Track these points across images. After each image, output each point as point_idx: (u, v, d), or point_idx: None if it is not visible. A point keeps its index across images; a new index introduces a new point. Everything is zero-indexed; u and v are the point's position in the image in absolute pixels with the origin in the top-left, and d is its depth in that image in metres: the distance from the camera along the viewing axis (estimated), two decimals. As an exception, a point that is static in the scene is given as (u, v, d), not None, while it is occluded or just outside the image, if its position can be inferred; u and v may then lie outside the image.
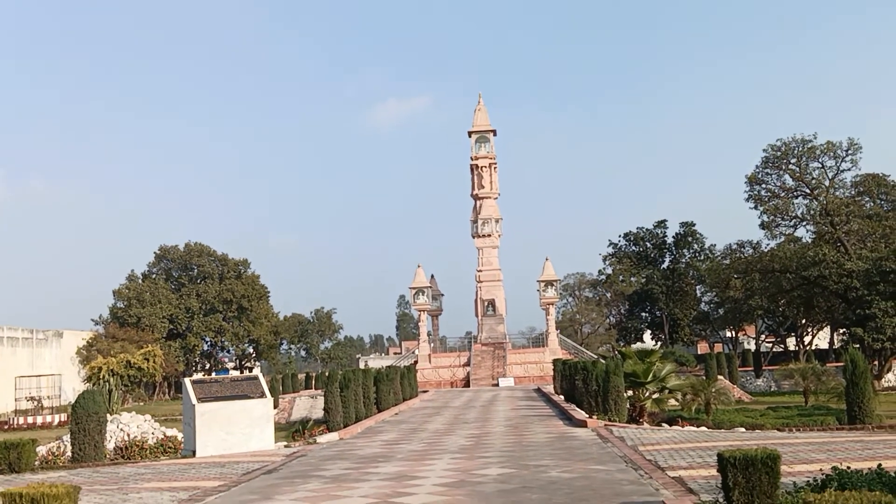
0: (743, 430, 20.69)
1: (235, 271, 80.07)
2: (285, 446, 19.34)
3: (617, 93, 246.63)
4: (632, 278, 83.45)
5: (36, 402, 49.49)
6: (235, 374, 77.13)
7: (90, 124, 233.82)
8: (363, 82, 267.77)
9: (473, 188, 61.69)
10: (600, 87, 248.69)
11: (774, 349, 76.01)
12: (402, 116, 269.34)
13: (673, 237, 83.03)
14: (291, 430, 24.16)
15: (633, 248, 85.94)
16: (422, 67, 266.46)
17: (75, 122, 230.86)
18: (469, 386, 52.86)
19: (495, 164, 61.87)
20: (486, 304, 60.82)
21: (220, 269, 79.37)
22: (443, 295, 67.04)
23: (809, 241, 57.35)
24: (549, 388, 39.88)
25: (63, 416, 42.00)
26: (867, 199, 59.66)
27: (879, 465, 9.74)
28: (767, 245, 60.14)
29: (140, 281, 78.10)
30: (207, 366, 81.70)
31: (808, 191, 57.00)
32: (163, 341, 69.70)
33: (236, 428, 18.68)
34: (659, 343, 77.47)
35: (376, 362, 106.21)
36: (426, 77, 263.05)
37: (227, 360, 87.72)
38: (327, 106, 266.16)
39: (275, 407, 40.95)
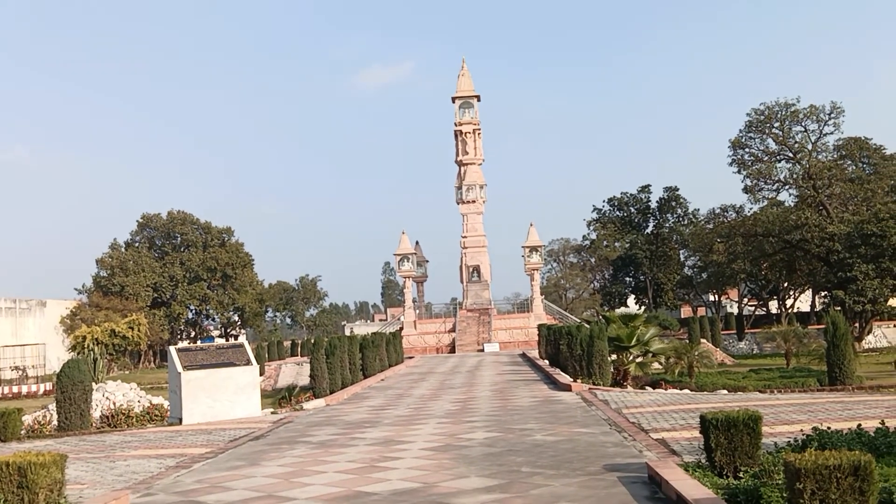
0: (725, 392, 20.89)
1: (219, 239, 79.76)
2: (272, 413, 19.40)
3: (601, 57, 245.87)
4: (616, 243, 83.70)
5: (20, 372, 49.35)
6: (221, 341, 77.13)
7: (74, 91, 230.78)
8: (348, 46, 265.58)
9: (458, 154, 61.44)
10: (583, 51, 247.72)
11: (757, 312, 76.72)
12: (387, 82, 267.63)
13: (657, 202, 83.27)
14: (278, 397, 24.24)
15: (618, 213, 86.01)
16: (406, 32, 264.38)
17: (59, 89, 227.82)
18: (454, 352, 52.98)
19: (479, 129, 61.56)
20: (471, 270, 60.88)
21: (203, 237, 79.03)
22: (428, 261, 67.01)
23: (792, 204, 57.61)
24: (534, 353, 39.90)
25: (48, 386, 41.94)
26: (849, 162, 59.91)
27: (859, 425, 9.88)
28: (750, 209, 60.38)
29: (123, 250, 77.73)
30: (192, 334, 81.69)
31: (791, 155, 57.14)
32: (147, 310, 69.56)
33: (222, 395, 18.72)
34: (643, 307, 77.90)
35: (362, 329, 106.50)
36: (410, 42, 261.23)
37: (212, 328, 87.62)
38: (312, 70, 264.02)
39: (261, 374, 41.16)
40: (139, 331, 53.50)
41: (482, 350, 51.69)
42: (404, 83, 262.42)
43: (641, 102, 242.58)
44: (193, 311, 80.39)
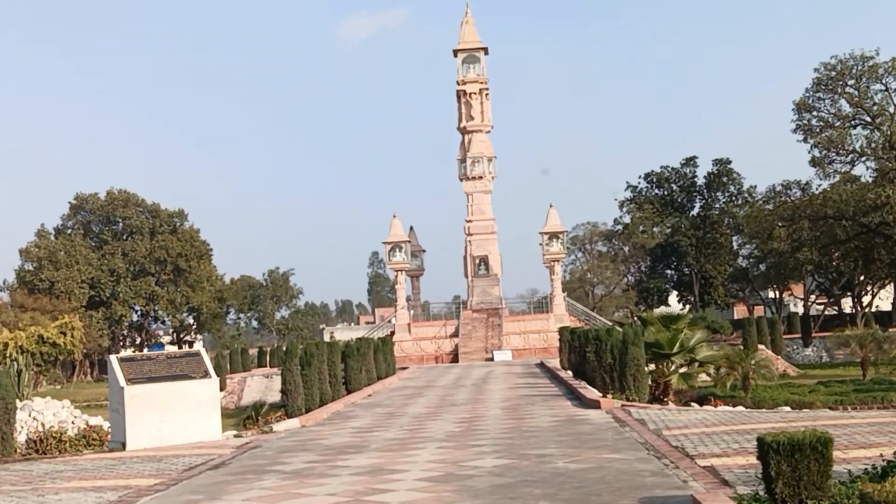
0: (788, 409, 20.99)
1: (170, 224, 79.68)
2: (235, 436, 19.45)
3: (637, 4, 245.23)
4: (654, 228, 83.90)
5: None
6: (172, 349, 76.90)
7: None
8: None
9: (461, 120, 61.56)
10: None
11: (827, 312, 76.79)
12: (374, 32, 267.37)
13: (704, 178, 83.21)
14: (242, 417, 24.31)
15: (657, 191, 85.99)
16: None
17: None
18: (457, 361, 53.30)
19: (487, 89, 61.69)
20: (477, 261, 61.10)
21: (150, 223, 78.95)
22: (424, 251, 67.30)
23: (870, 180, 57.56)
24: (555, 363, 40.23)
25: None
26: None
27: (951, 448, 9.88)
28: (819, 186, 60.44)
29: (53, 238, 77.70)
30: (138, 340, 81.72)
31: (868, 119, 57.09)
32: (82, 311, 69.47)
33: (175, 414, 18.75)
34: (687, 306, 77.83)
35: (344, 334, 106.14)
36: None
37: (161, 332, 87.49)
38: (281, 19, 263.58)
39: (221, 389, 40.53)
40: (73, 336, 53.47)
41: (491, 359, 52.00)
42: (395, 34, 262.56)
43: (684, 57, 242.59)
44: (139, 313, 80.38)
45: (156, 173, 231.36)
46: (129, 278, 75.89)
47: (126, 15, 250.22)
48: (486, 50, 61.87)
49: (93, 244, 78.06)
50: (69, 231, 78.95)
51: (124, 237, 78.94)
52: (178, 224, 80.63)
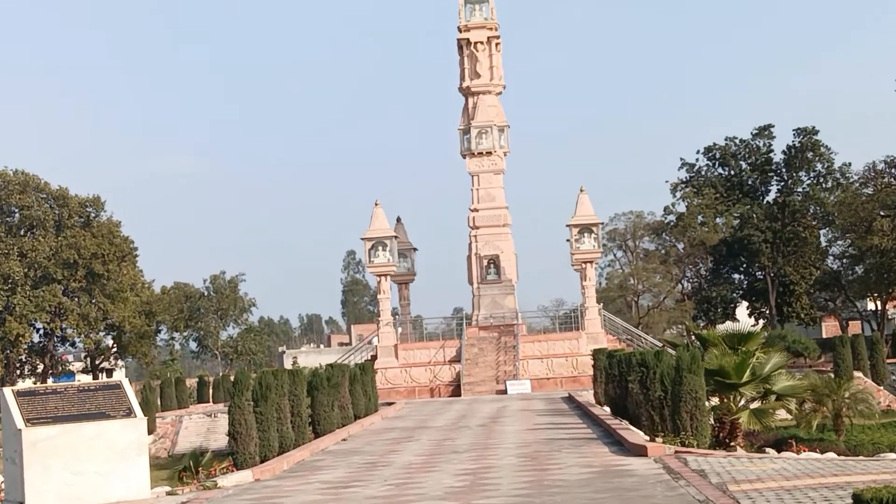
0: (894, 456, 20.93)
1: (81, 216, 79.42)
2: (168, 493, 19.42)
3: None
4: (718, 219, 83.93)
5: None
6: (86, 379, 76.55)
7: None
8: None
9: (463, 78, 61.55)
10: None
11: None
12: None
13: (783, 153, 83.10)
14: (177, 469, 24.33)
15: (720, 170, 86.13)
16: None
17: None
18: (460, 394, 53.28)
19: (498, 38, 61.70)
20: (485, 263, 61.13)
21: (56, 214, 78.74)
22: (416, 250, 67.35)
23: None
24: (587, 396, 40.23)
25: None
26: None
27: None
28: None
29: (-74, 233, 77.49)
30: (40, 368, 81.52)
31: None
32: (-33, 330, 69.47)
33: (89, 465, 18.70)
34: (761, 321, 77.77)
35: (311, 358, 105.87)
36: None
37: (71, 357, 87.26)
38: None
39: (150, 431, 40.50)
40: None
41: (504, 391, 52.02)
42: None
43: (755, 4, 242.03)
44: (41, 332, 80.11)
45: (64, 150, 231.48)
46: (28, 287, 75.53)
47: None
48: (496, -14, 61.85)
49: (-20, 241, 77.85)
50: (-53, 224, 78.69)
51: (22, 233, 78.58)
52: (93, 215, 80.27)
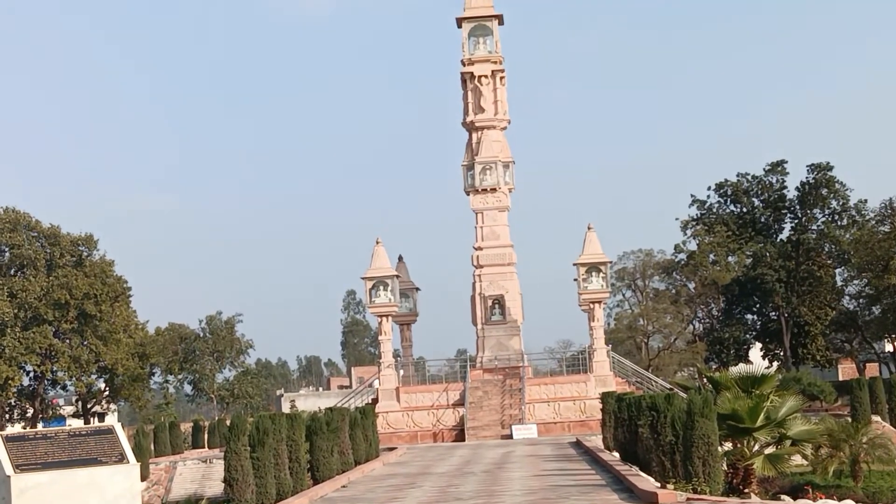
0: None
1: (74, 254, 79.52)
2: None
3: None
4: (730, 258, 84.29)
5: None
6: (77, 424, 75.58)
7: None
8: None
9: (466, 112, 61.92)
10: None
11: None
12: None
13: (797, 189, 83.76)
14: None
15: (732, 207, 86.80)
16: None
17: None
18: (464, 439, 53.57)
19: (502, 71, 62.11)
20: (489, 303, 61.16)
21: (47, 252, 78.71)
22: (418, 290, 67.69)
23: None
24: (596, 441, 40.50)
25: None
26: None
27: None
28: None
29: (-86, 272, 77.33)
30: (30, 411, 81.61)
31: None
32: (-44, 372, 69.06)
33: (81, 514, 19.14)
34: (775, 364, 77.84)
35: (309, 402, 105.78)
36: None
37: (62, 401, 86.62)
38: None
39: (143, 478, 41.29)
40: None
41: (509, 436, 52.18)
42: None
43: (769, 26, 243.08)
44: (31, 375, 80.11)
45: (56, 188, 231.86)
46: (17, 328, 75.67)
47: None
48: (500, 18, 62.26)
49: (-30, 281, 77.48)
50: (-63, 263, 78.55)
51: (12, 272, 78.88)
52: (86, 254, 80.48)
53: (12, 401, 79.64)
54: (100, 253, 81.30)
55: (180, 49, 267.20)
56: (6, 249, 78.77)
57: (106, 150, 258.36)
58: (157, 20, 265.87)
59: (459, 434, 54.30)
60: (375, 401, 57.93)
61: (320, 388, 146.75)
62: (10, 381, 75.70)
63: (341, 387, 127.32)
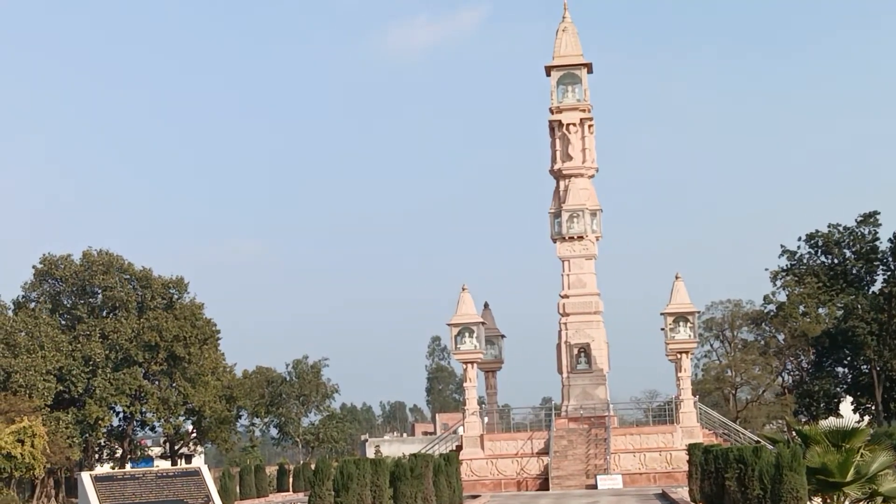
0: None
1: (164, 297, 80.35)
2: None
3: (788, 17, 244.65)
4: (820, 309, 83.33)
5: None
6: (164, 465, 76.98)
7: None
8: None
9: (554, 160, 61.89)
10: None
11: None
12: (437, 45, 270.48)
13: (889, 241, 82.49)
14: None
15: (823, 259, 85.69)
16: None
17: None
18: (548, 488, 53.07)
19: (591, 119, 62.01)
20: (575, 351, 60.94)
21: (139, 295, 79.72)
22: (504, 337, 67.25)
23: None
24: (682, 493, 40.15)
25: None
26: None
27: None
28: None
29: (11, 314, 78.64)
30: (119, 452, 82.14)
31: None
32: (47, 412, 70.02)
33: (166, 555, 18.74)
34: (867, 418, 76.45)
35: (393, 447, 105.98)
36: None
37: (150, 442, 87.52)
38: (311, 31, 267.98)
39: None
40: (33, 446, 53.81)
41: (594, 486, 51.71)
42: (465, 45, 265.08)
43: (867, 73, 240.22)
44: (121, 415, 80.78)
45: (148, 230, 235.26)
46: (108, 369, 76.29)
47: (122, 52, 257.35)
48: (589, 67, 62.24)
49: (63, 323, 78.80)
50: (33, 305, 79.80)
51: (104, 313, 79.59)
52: (176, 297, 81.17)
53: (102, 441, 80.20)
54: (190, 296, 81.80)
55: (271, 97, 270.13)
56: (99, 291, 79.39)
57: (197, 196, 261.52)
58: (251, 66, 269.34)
59: (543, 483, 53.85)
60: (460, 447, 57.59)
61: (404, 434, 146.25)
62: (100, 422, 76.27)
63: (426, 433, 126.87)
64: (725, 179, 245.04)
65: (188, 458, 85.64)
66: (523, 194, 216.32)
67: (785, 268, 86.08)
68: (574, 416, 58.95)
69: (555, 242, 61.51)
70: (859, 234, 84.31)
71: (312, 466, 30.01)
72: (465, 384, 60.11)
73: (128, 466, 76.47)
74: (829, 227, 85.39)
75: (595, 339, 60.96)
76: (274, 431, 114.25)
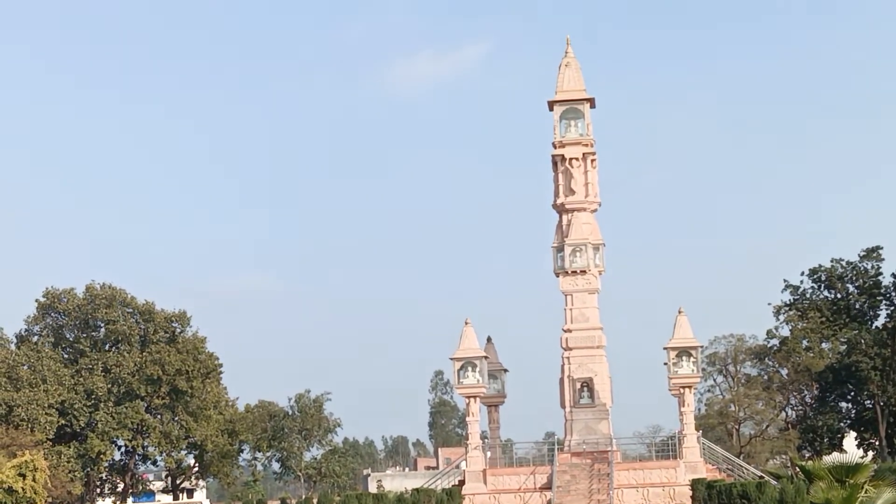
0: None
1: (167, 331, 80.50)
2: None
3: (791, 45, 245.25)
4: (824, 344, 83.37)
5: None
6: (166, 499, 76.86)
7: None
8: (376, 24, 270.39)
9: (557, 194, 62.09)
10: (768, 27, 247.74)
11: None
12: (441, 79, 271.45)
13: (893, 276, 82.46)
14: None
15: (826, 293, 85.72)
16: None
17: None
18: (551, 523, 52.93)
19: (593, 154, 62.15)
20: (578, 386, 60.89)
21: (142, 328, 79.83)
22: (506, 371, 67.12)
23: None
24: None
25: None
26: None
27: None
28: None
29: (13, 347, 78.79)
30: (121, 486, 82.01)
31: None
32: (49, 446, 70.07)
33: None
34: (870, 453, 76.25)
35: (396, 482, 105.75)
36: (479, 14, 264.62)
37: (152, 477, 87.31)
38: (317, 65, 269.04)
39: None
40: (35, 480, 53.85)
41: (597, 521, 51.68)
42: (469, 80, 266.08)
43: (868, 105, 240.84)
44: (123, 449, 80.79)
45: (149, 264, 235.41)
46: (111, 403, 76.44)
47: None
48: (592, 102, 62.41)
49: (65, 356, 79.00)
50: (35, 338, 79.96)
51: (107, 347, 79.78)
52: (179, 331, 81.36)
53: (103, 475, 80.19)
54: (192, 330, 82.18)
55: (274, 132, 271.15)
56: (102, 325, 79.47)
57: (199, 230, 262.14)
58: (255, 101, 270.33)
59: (546, 518, 53.54)
60: (462, 482, 57.58)
61: (407, 469, 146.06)
62: (102, 456, 76.32)
63: (428, 467, 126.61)
64: (728, 214, 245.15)
65: (190, 493, 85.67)
66: (526, 228, 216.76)
67: (788, 302, 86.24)
68: (577, 451, 58.85)
69: (558, 276, 61.58)
70: (862, 268, 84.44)
71: (315, 501, 30.02)
72: (467, 418, 59.99)
73: (129, 501, 76.61)
74: (832, 261, 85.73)
75: (598, 374, 60.92)
76: (276, 466, 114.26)
